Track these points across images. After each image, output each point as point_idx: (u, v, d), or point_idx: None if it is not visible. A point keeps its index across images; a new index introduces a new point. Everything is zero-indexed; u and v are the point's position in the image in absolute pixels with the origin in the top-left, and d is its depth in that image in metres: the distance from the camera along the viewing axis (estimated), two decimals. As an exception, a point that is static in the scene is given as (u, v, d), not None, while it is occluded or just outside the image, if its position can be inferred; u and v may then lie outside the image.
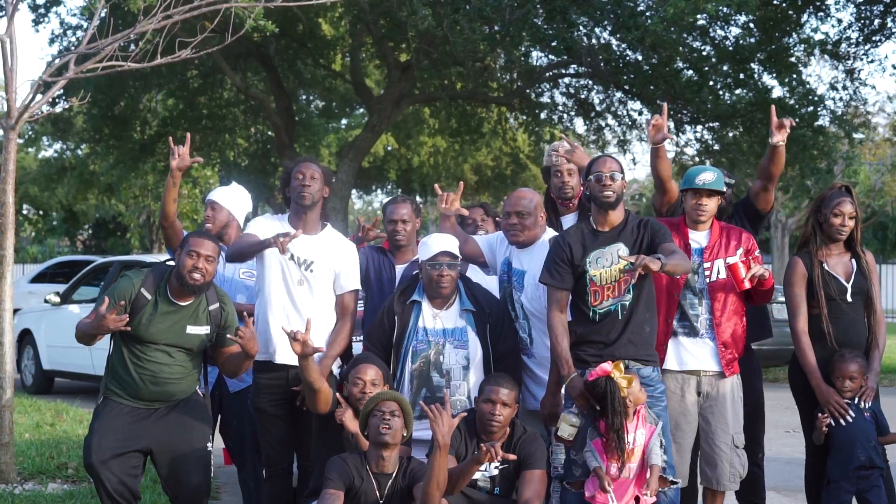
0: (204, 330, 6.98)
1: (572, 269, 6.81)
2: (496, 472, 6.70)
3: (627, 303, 6.75)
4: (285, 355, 7.13)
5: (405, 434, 6.47)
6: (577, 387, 6.59)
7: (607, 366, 6.49)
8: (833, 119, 21.43)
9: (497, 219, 8.50)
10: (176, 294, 6.92)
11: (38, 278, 23.05)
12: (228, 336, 6.93)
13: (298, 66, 25.56)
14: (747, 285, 7.11)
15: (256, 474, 7.86)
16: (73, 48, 10.34)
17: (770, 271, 7.24)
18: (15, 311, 17.51)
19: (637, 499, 6.51)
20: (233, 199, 8.21)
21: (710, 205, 7.24)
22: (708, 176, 7.22)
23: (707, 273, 7.18)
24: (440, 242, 7.16)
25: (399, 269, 7.92)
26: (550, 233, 7.35)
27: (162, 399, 6.94)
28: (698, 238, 7.25)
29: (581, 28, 19.58)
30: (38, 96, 9.82)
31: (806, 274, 7.33)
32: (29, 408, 14.01)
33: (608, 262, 6.77)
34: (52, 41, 21.63)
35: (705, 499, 7.43)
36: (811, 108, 20.59)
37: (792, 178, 20.90)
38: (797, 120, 19.85)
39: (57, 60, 10.14)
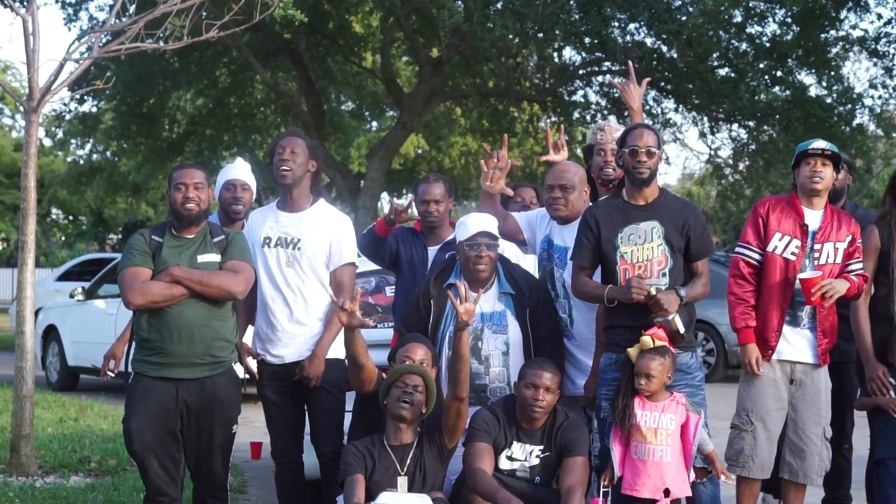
0: (216, 258, 6.63)
1: (598, 246, 6.48)
2: (536, 461, 6.41)
3: (664, 287, 6.39)
4: (276, 356, 6.97)
5: (424, 411, 6.29)
6: (613, 296, 6.38)
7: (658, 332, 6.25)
8: (871, 117, 21.08)
9: None
10: (179, 230, 6.67)
11: (65, 276, 22.90)
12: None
13: (329, 64, 25.34)
14: (812, 300, 6.73)
15: None
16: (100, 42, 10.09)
17: (848, 283, 6.82)
18: (39, 309, 17.50)
19: (667, 491, 6.24)
20: (251, 175, 7.84)
21: (827, 172, 6.84)
22: (822, 143, 6.86)
23: (817, 255, 6.85)
24: (479, 222, 6.80)
25: (431, 250, 7.60)
26: (595, 209, 7.01)
27: (194, 356, 6.53)
28: (812, 219, 6.89)
29: (615, 23, 19.28)
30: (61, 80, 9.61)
31: (879, 247, 7.02)
32: (53, 403, 13.80)
33: (641, 240, 6.43)
34: (80, 37, 21.42)
35: (786, 492, 7.06)
36: (849, 106, 20.24)
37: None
38: (834, 118, 19.61)
39: (78, 42, 9.94)
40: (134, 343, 6.75)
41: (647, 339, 6.23)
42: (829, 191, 6.96)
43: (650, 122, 23.42)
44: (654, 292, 6.23)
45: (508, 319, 6.76)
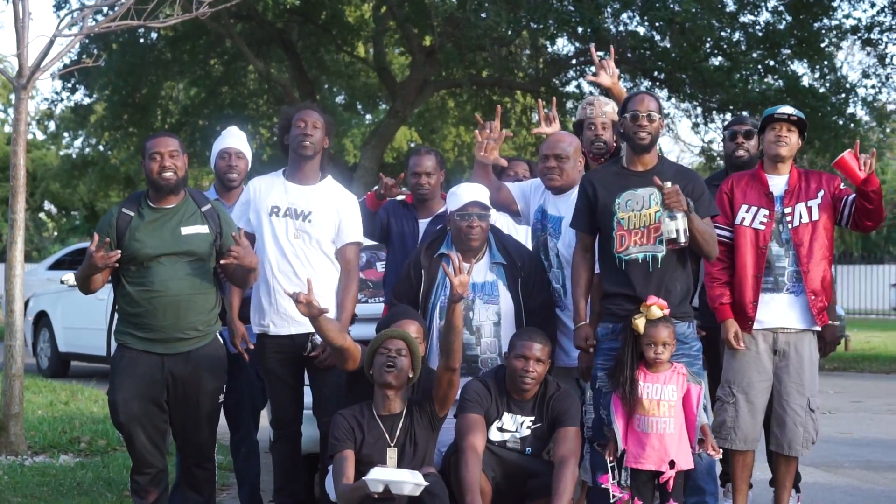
0: (202, 229, 6.51)
1: (595, 210, 6.44)
2: (527, 432, 6.38)
3: (660, 256, 6.34)
4: (282, 326, 6.87)
5: (411, 375, 6.23)
6: (582, 335, 6.47)
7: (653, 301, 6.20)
8: (864, 106, 21.04)
9: None
10: (157, 201, 6.53)
11: (56, 265, 22.83)
12: (229, 248, 6.40)
13: (321, 54, 25.28)
14: (863, 175, 6.65)
15: (250, 439, 7.59)
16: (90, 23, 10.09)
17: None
18: (29, 298, 17.45)
19: (672, 463, 6.19)
20: (246, 143, 7.80)
21: (792, 137, 6.81)
22: (788, 108, 6.84)
23: (789, 219, 6.78)
24: (470, 192, 6.76)
25: (422, 223, 7.54)
26: (588, 179, 6.98)
27: (179, 331, 6.45)
28: (777, 185, 6.84)
29: (608, 11, 19.23)
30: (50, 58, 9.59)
31: None
32: (43, 388, 13.76)
33: (638, 206, 6.38)
34: (71, 26, 21.38)
35: (776, 464, 7.03)
36: (842, 96, 20.20)
37: (822, 167, 20.53)
38: (828, 108, 19.56)
39: (69, 17, 9.92)
40: (117, 315, 6.67)
41: (655, 310, 6.18)
42: (792, 157, 6.91)
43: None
44: (670, 185, 6.17)
45: (500, 290, 6.73)
